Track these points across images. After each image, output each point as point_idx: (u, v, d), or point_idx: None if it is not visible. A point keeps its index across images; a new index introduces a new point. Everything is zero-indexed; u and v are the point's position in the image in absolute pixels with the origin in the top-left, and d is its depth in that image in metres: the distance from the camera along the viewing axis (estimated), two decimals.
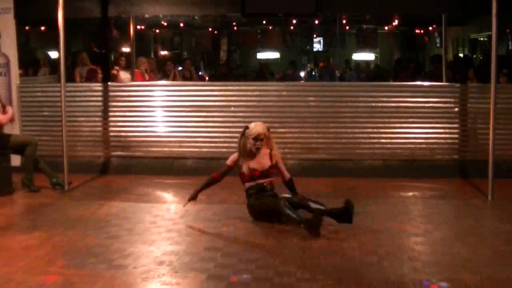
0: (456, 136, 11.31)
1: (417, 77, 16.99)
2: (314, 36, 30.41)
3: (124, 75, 14.34)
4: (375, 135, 11.36)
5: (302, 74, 25.82)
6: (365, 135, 11.38)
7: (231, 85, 12.18)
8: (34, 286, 5.86)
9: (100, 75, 14.29)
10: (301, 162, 11.13)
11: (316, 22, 26.78)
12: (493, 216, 8.96)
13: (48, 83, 13.95)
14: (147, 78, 14.61)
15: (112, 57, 19.07)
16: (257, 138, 8.30)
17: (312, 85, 13.53)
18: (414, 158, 11.33)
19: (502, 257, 6.84)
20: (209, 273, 6.23)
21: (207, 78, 19.91)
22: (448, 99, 11.38)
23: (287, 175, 8.64)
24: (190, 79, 16.43)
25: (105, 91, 11.82)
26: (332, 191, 10.21)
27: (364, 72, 24.10)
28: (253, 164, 8.34)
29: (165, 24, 26.13)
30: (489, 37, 10.17)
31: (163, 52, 28.28)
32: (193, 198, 8.52)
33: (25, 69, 16.72)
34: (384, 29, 29.85)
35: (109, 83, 12.36)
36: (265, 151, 8.42)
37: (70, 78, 13.77)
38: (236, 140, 10.99)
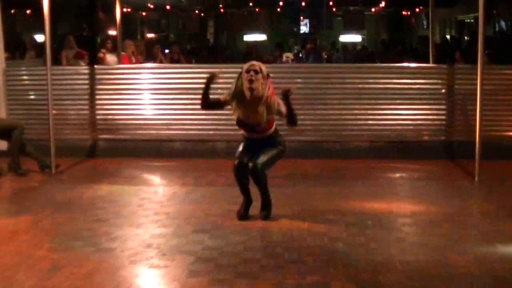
0: (443, 117, 11.31)
1: (405, 59, 17.05)
2: (301, 18, 30.41)
3: (110, 58, 14.30)
4: (363, 117, 11.35)
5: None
6: (353, 117, 11.37)
7: (218, 68, 12.14)
8: (22, 270, 5.85)
9: (86, 59, 14.27)
10: (289, 143, 11.01)
11: (303, 4, 26.78)
12: (480, 197, 9.00)
13: (34, 67, 13.88)
14: (133, 61, 14.57)
15: (99, 40, 19.01)
16: (249, 69, 7.23)
17: (299, 67, 13.51)
18: (402, 140, 11.32)
19: (489, 238, 6.87)
20: (197, 255, 6.24)
21: (193, 61, 19.87)
22: (435, 81, 11.38)
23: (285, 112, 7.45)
24: (178, 61, 16.38)
25: (92, 74, 11.75)
26: (320, 173, 10.23)
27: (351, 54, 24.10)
28: (241, 113, 7.37)
29: (151, 6, 26.07)
30: (476, 18, 10.19)
31: (150, 35, 28.21)
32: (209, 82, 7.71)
33: (12, 53, 16.64)
34: (371, 11, 29.87)
35: (95, 66, 12.32)
36: (263, 108, 7.24)
37: (56, 61, 13.72)
38: (223, 122, 11.06)
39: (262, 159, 7.41)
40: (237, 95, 7.36)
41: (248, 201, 7.64)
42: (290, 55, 14.70)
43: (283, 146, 7.65)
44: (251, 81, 7.19)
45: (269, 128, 7.49)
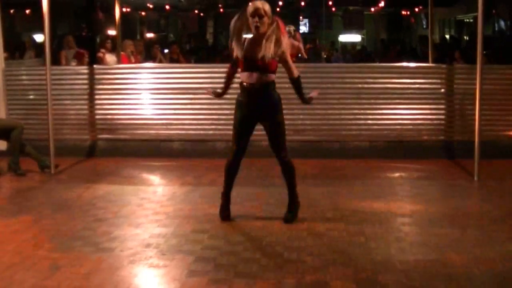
0: (442, 117, 11.32)
1: (404, 58, 17.09)
2: (300, 18, 30.39)
3: (110, 57, 14.30)
4: (362, 117, 11.36)
5: None
6: (352, 117, 11.38)
7: (217, 67, 12.14)
8: (21, 270, 5.86)
9: (86, 59, 14.27)
10: (288, 143, 11.03)
11: (302, 3, 26.76)
12: (480, 196, 9.00)
13: (34, 67, 13.89)
14: (133, 60, 14.57)
15: (98, 39, 19.02)
16: (254, 14, 7.05)
17: (299, 67, 13.47)
18: (401, 139, 11.33)
19: (489, 237, 6.87)
20: (197, 255, 6.24)
21: (192, 61, 19.90)
22: (434, 80, 11.38)
23: (296, 72, 7.43)
24: (177, 61, 16.38)
25: (91, 74, 11.76)
26: (319, 172, 10.22)
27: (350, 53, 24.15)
28: (247, 50, 7.20)
29: (151, 6, 26.07)
30: (475, 18, 10.20)
31: (149, 35, 28.21)
32: (217, 94, 7.91)
33: (11, 53, 16.66)
34: (371, 11, 29.85)
35: (95, 65, 12.32)
36: (268, 42, 7.10)
37: (56, 61, 13.72)
38: (223, 122, 11.05)
39: (278, 147, 7.41)
40: (239, 35, 7.26)
41: (228, 199, 7.58)
42: (292, 27, 14.80)
43: (280, 108, 7.38)
44: (257, 28, 7.11)
45: (271, 70, 7.25)
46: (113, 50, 14.36)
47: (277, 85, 7.37)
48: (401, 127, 11.33)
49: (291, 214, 7.45)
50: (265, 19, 7.09)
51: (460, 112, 11.25)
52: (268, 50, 7.09)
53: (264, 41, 7.12)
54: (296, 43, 14.41)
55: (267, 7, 7.13)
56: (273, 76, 7.30)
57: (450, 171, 10.34)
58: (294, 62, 7.88)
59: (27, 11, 24.21)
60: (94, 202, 8.38)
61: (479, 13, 9.49)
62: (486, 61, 13.14)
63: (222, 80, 7.86)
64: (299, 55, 14.49)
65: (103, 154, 11.58)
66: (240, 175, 7.70)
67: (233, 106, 7.54)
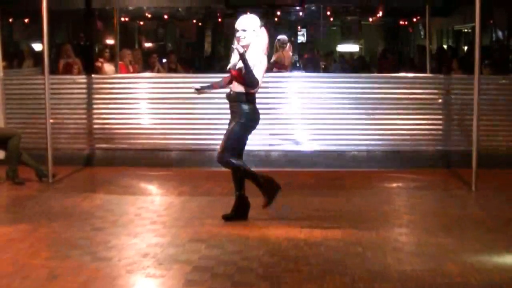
0: (440, 127, 11.34)
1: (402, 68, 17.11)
2: (298, 28, 30.42)
3: (108, 67, 14.30)
4: (360, 126, 11.36)
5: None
6: (350, 126, 11.38)
7: (215, 77, 12.14)
8: (18, 278, 5.85)
9: (76, 69, 14.24)
10: (286, 153, 11.12)
11: (301, 13, 26.78)
12: (477, 206, 9.00)
13: (32, 75, 13.90)
14: (131, 70, 14.58)
15: (96, 49, 19.04)
16: (236, 28, 7.38)
17: (297, 76, 13.50)
18: (398, 149, 11.33)
19: (486, 247, 6.87)
20: (194, 265, 6.23)
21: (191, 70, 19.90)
22: (432, 90, 11.40)
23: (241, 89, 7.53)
24: (175, 71, 16.40)
25: (89, 83, 11.76)
26: (316, 182, 10.23)
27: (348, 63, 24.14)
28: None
29: (149, 16, 26.07)
30: (473, 28, 10.22)
31: (148, 44, 28.21)
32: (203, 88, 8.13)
33: (9, 62, 16.65)
34: (368, 21, 29.87)
35: (93, 75, 12.33)
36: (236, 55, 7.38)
37: (54, 70, 13.73)
38: (220, 132, 11.05)
39: (221, 147, 7.60)
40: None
41: (240, 201, 7.71)
42: (285, 38, 14.74)
43: (244, 119, 7.57)
44: (238, 41, 7.31)
45: (237, 81, 7.48)
46: (112, 59, 14.38)
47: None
48: (399, 137, 11.34)
49: (264, 199, 7.64)
50: (247, 33, 7.30)
51: (457, 122, 11.27)
52: (234, 62, 7.42)
53: (235, 54, 7.40)
54: (282, 55, 14.34)
55: (251, 21, 7.37)
56: (242, 88, 7.49)
57: (447, 181, 10.35)
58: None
59: (26, 20, 24.21)
60: (91, 211, 8.38)
61: (476, 23, 9.52)
62: (490, 71, 13.18)
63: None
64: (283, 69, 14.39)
65: (101, 164, 11.58)
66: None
67: (230, 116, 7.62)
